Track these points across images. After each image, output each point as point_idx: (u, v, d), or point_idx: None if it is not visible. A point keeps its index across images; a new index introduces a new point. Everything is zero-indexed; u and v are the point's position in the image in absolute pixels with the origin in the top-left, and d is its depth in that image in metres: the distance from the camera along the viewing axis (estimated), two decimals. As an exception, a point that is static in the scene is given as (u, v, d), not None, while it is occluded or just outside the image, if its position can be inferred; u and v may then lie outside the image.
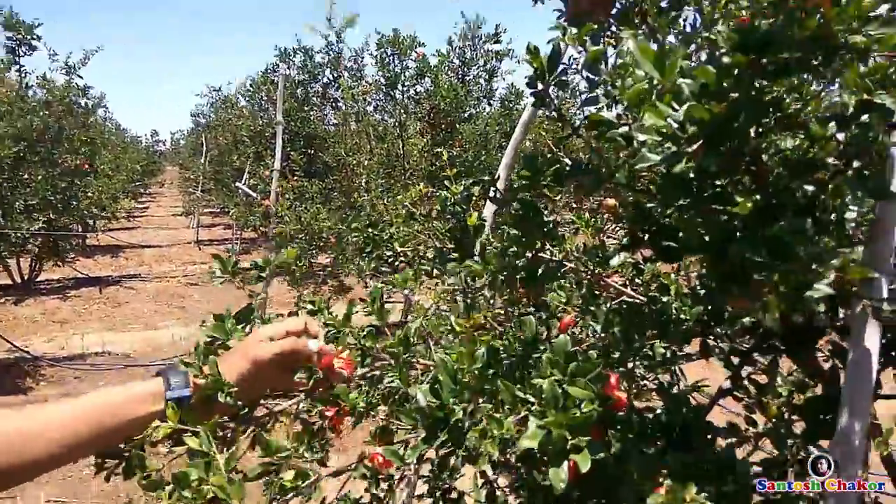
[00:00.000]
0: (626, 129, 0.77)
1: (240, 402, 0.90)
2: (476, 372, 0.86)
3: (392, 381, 1.05)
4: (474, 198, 1.63)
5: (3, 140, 5.90)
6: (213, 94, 13.45)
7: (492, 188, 1.81)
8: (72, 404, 0.82)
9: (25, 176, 6.72)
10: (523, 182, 0.92)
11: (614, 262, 1.02)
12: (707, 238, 0.70)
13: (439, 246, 1.71)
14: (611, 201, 1.59)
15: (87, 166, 8.67)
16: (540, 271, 1.09)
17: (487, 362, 0.91)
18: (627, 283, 1.32)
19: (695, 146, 0.65)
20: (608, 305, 1.07)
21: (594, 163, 0.99)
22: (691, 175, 0.69)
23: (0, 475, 0.75)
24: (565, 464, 0.76)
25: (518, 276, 1.08)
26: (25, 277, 9.74)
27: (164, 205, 21.19)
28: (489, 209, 1.94)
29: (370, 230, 1.59)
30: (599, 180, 0.97)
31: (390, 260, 1.66)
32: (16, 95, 7.08)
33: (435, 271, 1.65)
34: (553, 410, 0.79)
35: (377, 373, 1.10)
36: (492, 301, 1.20)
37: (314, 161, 6.88)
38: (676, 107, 0.69)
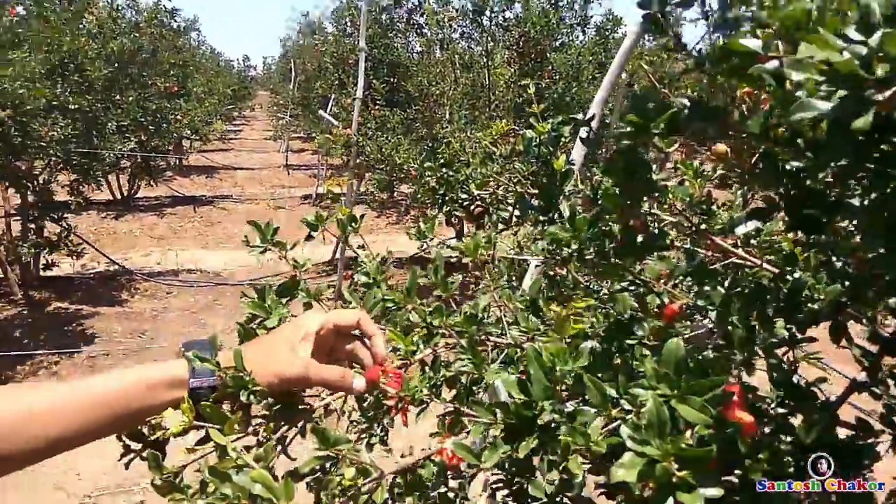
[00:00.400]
0: (775, 63, 0.57)
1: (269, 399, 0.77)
2: (577, 371, 0.70)
3: (464, 365, 0.90)
4: (563, 139, 1.43)
5: (95, 62, 6.00)
6: (301, 20, 13.35)
7: (583, 128, 1.59)
8: (81, 388, 0.70)
9: (117, 97, 6.87)
10: (631, 129, 0.73)
11: (740, 230, 0.81)
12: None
13: (520, 191, 1.52)
14: (721, 147, 1.35)
15: (175, 89, 8.81)
16: (640, 239, 0.90)
17: (593, 361, 0.75)
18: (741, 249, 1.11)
19: (888, 93, 0.45)
20: (726, 282, 0.87)
21: (720, 105, 0.78)
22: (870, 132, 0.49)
23: None
24: (671, 501, 0.60)
25: (612, 246, 0.90)
26: (125, 194, 10.19)
27: (257, 128, 21.63)
28: (579, 151, 1.73)
29: (445, 170, 1.43)
30: (727, 128, 0.77)
31: (465, 203, 1.50)
32: (107, 17, 7.18)
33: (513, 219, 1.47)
34: (654, 436, 0.62)
35: (443, 354, 0.96)
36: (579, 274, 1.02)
37: (396, 90, 6.67)
38: (859, 36, 0.48)
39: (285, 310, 0.98)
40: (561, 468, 0.70)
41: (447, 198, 1.41)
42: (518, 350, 1.04)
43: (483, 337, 1.00)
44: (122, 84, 7.07)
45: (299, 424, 0.82)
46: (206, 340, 0.78)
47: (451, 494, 1.05)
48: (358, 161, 5.27)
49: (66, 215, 6.02)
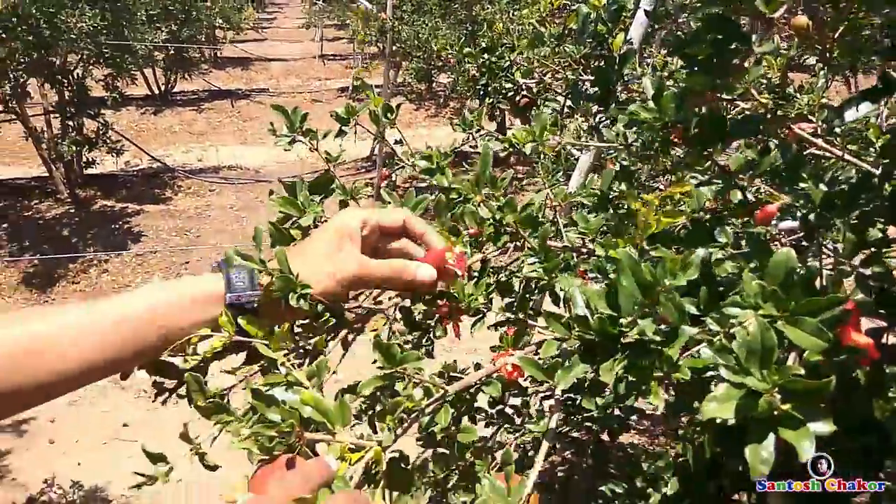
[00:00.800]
0: None
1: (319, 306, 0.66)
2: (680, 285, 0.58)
3: (533, 269, 0.78)
4: (624, 14, 1.24)
5: (121, -54, 5.75)
6: None
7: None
8: (97, 310, 0.60)
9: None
10: None
11: (850, 115, 0.66)
12: None
13: (573, 77, 1.35)
14: (802, 19, 1.16)
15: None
16: (729, 124, 0.76)
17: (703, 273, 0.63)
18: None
19: None
20: (826, 177, 0.73)
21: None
22: None
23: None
24: (771, 437, 0.50)
25: (696, 130, 0.76)
26: (162, 89, 10.09)
27: (290, 16, 20.98)
28: (638, 28, 1.52)
29: (486, 56, 1.26)
30: None
31: (510, 94, 1.34)
32: None
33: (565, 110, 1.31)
34: (757, 365, 0.51)
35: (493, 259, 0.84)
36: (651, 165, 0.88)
37: (435, -33, 6.27)
38: None
39: (319, 208, 0.87)
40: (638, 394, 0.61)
41: (489, 88, 1.25)
42: (573, 256, 0.92)
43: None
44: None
45: (345, 337, 0.74)
46: (236, 261, 0.67)
47: (509, 410, 0.97)
48: (394, 49, 5.01)
49: (103, 111, 5.97)
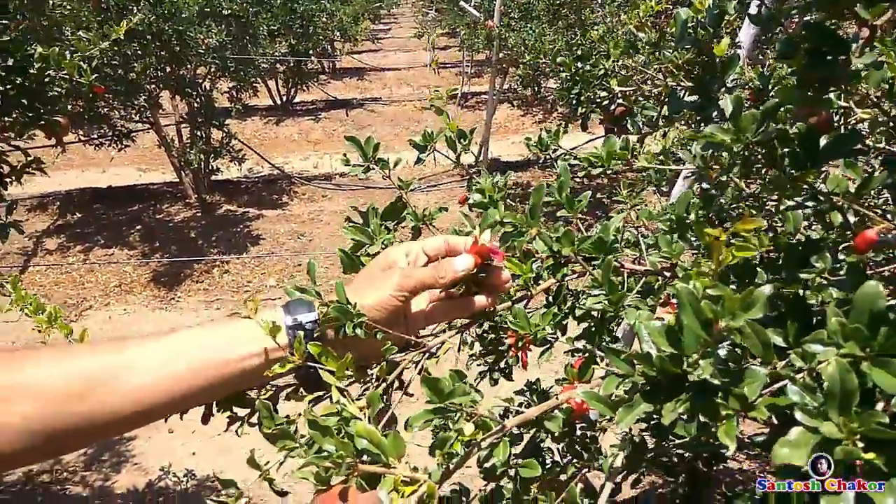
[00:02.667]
0: None
1: (378, 336, 0.67)
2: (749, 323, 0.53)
3: (597, 302, 0.75)
4: (728, 16, 1.16)
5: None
6: None
7: (754, 1, 1.29)
8: (165, 349, 0.62)
9: (266, 1, 6.98)
10: None
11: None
12: None
13: (671, 84, 1.28)
14: None
15: (321, -10, 8.82)
16: (824, 142, 0.69)
17: (771, 313, 0.58)
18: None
19: None
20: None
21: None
22: None
23: (55, 438, 0.59)
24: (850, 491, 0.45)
25: (787, 151, 0.69)
26: (283, 99, 10.60)
27: (405, 25, 21.49)
28: (747, 32, 1.43)
29: (579, 65, 1.22)
30: None
31: (604, 103, 1.28)
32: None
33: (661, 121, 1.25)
34: (836, 409, 0.46)
35: (569, 282, 0.81)
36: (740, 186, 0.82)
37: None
38: None
39: (389, 236, 0.88)
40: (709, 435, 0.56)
41: (582, 97, 1.21)
42: (657, 279, 0.87)
43: (617, 264, 0.84)
44: (271, -15, 7.18)
45: (416, 364, 0.73)
46: (309, 302, 0.69)
47: (577, 447, 0.93)
48: (500, 56, 5.00)
49: (227, 122, 6.34)
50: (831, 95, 0.64)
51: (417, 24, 14.95)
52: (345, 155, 0.90)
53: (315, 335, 0.65)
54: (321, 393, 0.67)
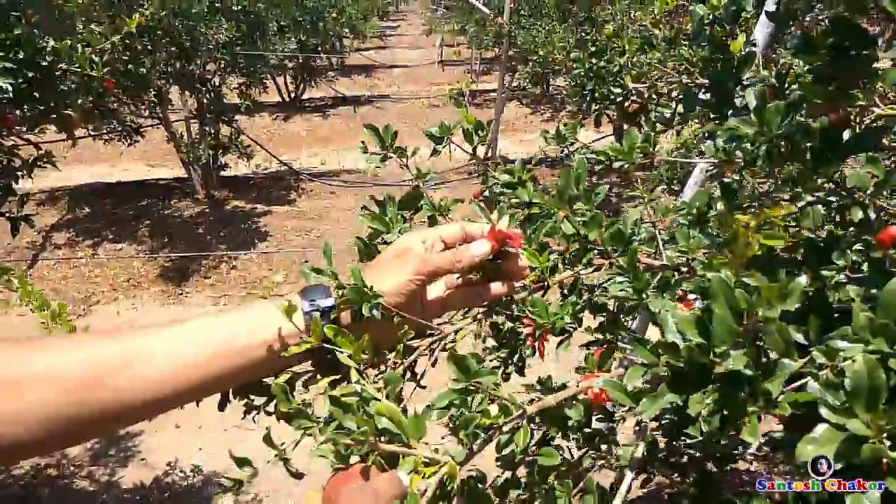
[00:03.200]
0: None
1: (395, 321, 0.67)
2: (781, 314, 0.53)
3: (621, 289, 0.74)
4: (744, 13, 1.15)
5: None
6: None
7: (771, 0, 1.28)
8: (182, 337, 0.61)
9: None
10: None
11: None
12: None
13: (686, 81, 1.28)
14: None
15: (329, -14, 8.82)
16: (846, 137, 0.68)
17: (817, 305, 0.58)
18: None
19: None
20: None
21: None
22: None
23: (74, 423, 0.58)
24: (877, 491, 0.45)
25: (809, 146, 0.69)
26: (292, 96, 10.61)
27: (414, 23, 21.47)
28: (762, 30, 1.41)
29: (594, 61, 1.21)
30: None
31: (618, 100, 1.28)
32: None
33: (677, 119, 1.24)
34: (862, 406, 0.46)
35: (584, 276, 0.80)
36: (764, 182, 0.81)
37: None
38: None
39: (407, 225, 0.88)
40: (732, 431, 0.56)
41: (596, 93, 1.20)
42: (674, 274, 0.87)
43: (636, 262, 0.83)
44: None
45: (432, 351, 0.73)
46: (325, 286, 0.69)
47: (595, 437, 0.93)
48: (510, 53, 4.98)
49: (236, 117, 6.35)
50: (855, 92, 0.63)
51: (426, 22, 14.93)
52: (363, 143, 0.90)
53: (332, 318, 0.65)
54: (338, 376, 0.66)
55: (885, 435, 0.44)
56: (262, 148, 7.32)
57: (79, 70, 1.93)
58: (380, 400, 0.59)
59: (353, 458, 0.57)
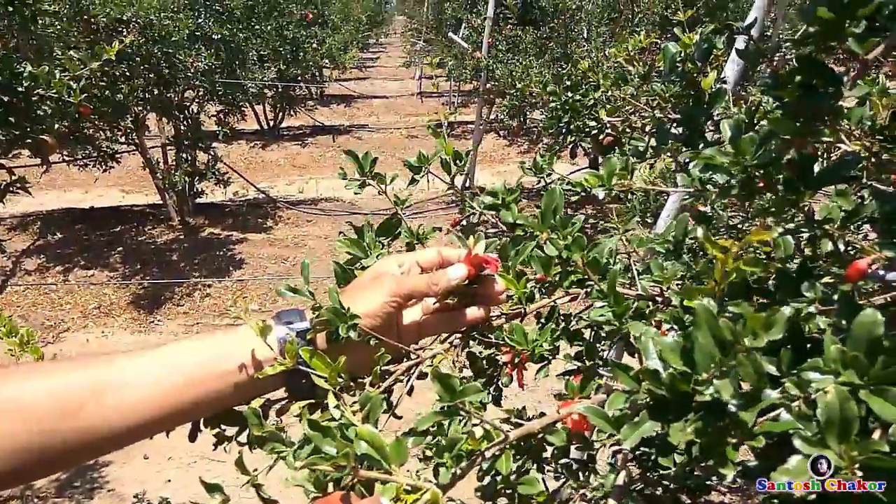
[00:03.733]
0: None
1: (372, 342, 0.66)
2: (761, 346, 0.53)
3: (601, 313, 0.75)
4: (715, 51, 1.18)
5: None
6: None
7: (740, 37, 1.32)
8: (158, 363, 0.60)
9: (256, 27, 7.03)
10: (818, 28, 0.53)
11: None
12: None
13: (659, 116, 1.31)
14: None
15: (309, 17, 8.89)
16: (817, 170, 0.70)
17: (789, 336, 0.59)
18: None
19: None
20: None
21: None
22: None
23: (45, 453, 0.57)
24: None
25: (783, 176, 0.71)
26: (271, 124, 10.62)
27: (393, 55, 21.71)
28: (732, 67, 1.46)
29: (569, 94, 1.24)
30: None
31: (593, 133, 1.30)
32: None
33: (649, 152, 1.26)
34: (835, 437, 0.47)
35: (563, 304, 0.81)
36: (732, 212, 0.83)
37: (530, 7, 6.29)
38: None
39: (385, 250, 0.88)
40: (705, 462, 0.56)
41: (572, 126, 1.23)
42: (648, 304, 0.88)
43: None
44: (262, 12, 7.21)
45: (408, 376, 0.73)
46: (300, 310, 0.69)
47: (574, 465, 0.92)
48: (488, 86, 5.05)
49: (213, 145, 6.33)
50: (823, 129, 0.65)
51: (406, 54, 15.11)
52: (342, 169, 0.90)
53: (307, 340, 0.65)
54: (312, 401, 0.65)
55: (856, 465, 0.45)
56: (240, 175, 7.30)
57: (55, 95, 1.92)
58: (357, 425, 0.58)
59: (331, 487, 0.56)
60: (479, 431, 0.59)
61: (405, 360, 0.72)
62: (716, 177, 0.76)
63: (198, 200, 6.85)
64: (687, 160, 0.77)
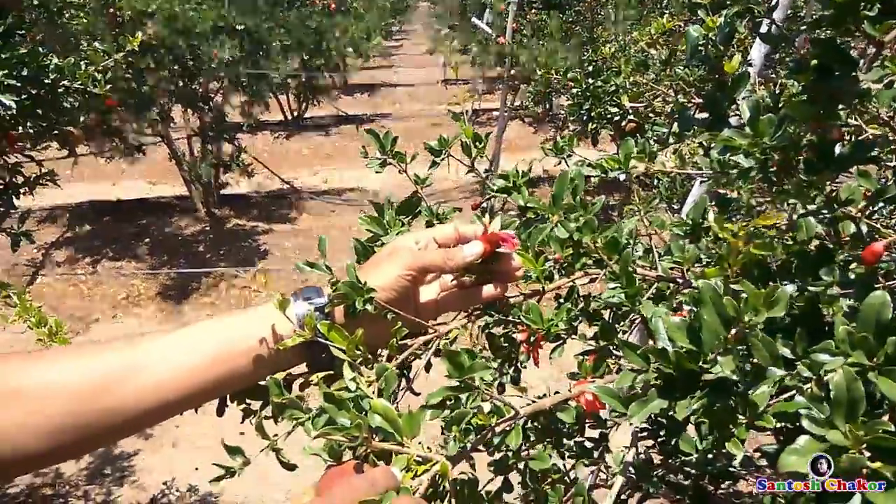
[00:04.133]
0: None
1: (388, 316, 0.67)
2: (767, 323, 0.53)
3: (612, 296, 0.74)
4: (738, 35, 1.16)
5: (260, -19, 6.17)
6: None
7: (765, 20, 1.29)
8: (182, 343, 0.62)
9: (281, 17, 7.04)
10: (832, 12, 0.52)
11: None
12: None
13: (683, 101, 1.28)
14: None
15: (333, 6, 8.89)
16: (837, 151, 0.69)
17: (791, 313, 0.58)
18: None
19: None
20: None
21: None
22: None
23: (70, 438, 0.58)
24: (857, 498, 0.45)
25: (803, 159, 0.69)
26: (295, 115, 10.68)
27: (417, 42, 21.66)
28: (758, 50, 1.42)
29: (590, 80, 1.22)
30: None
31: (615, 119, 1.28)
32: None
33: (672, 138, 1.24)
34: (842, 418, 0.46)
35: (583, 285, 0.81)
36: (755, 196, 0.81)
37: (556, -10, 6.23)
38: None
39: (404, 228, 0.89)
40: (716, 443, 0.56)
41: (592, 113, 1.21)
42: (669, 286, 0.87)
43: (630, 269, 0.83)
44: (285, 2, 7.23)
45: (425, 349, 0.73)
46: (318, 287, 0.70)
47: (588, 444, 0.92)
48: (512, 72, 5.01)
49: (238, 136, 6.38)
50: (840, 112, 0.63)
51: (429, 40, 15.05)
52: (363, 147, 0.91)
53: (326, 312, 0.65)
54: (330, 373, 0.66)
55: (863, 445, 0.44)
56: (264, 166, 7.36)
57: (81, 87, 1.95)
58: (373, 397, 0.59)
59: (346, 456, 0.57)
60: (486, 406, 0.60)
61: (423, 334, 0.72)
62: (737, 158, 0.75)
63: (223, 191, 6.93)
64: (707, 143, 0.76)
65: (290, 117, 10.62)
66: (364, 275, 0.67)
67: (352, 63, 12.70)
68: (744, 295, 0.49)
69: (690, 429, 0.68)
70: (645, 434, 1.05)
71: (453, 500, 0.57)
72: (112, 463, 3.46)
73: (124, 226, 6.70)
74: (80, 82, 1.91)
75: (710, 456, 1.13)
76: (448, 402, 0.62)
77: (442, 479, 0.55)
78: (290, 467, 0.65)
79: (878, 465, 0.44)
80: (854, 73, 0.60)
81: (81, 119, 2.21)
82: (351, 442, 0.53)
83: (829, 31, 0.59)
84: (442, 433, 0.78)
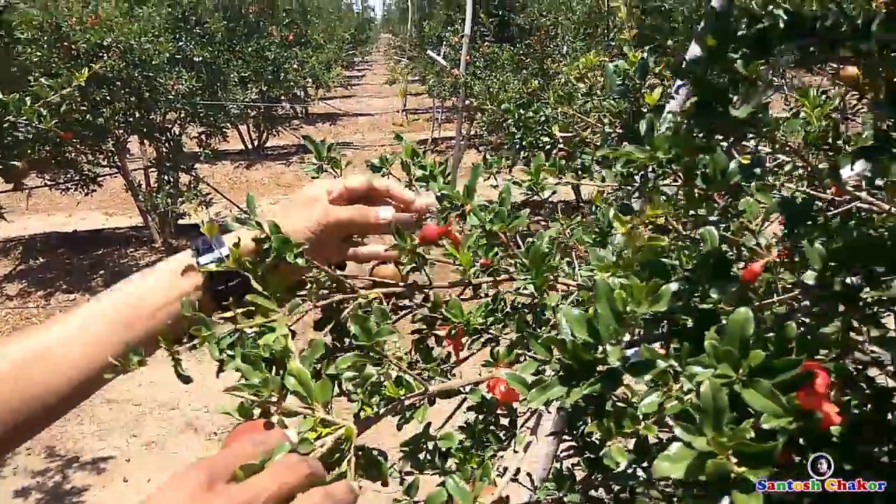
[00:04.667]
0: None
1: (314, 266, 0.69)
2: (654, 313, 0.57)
3: (524, 287, 0.79)
4: (650, 70, 1.23)
5: (214, 13, 6.19)
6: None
7: (687, 56, 1.38)
8: (85, 316, 0.65)
9: (237, 48, 7.08)
10: (707, 54, 0.59)
11: (845, 172, 0.63)
12: None
13: (608, 131, 1.36)
14: (852, 70, 1.14)
15: (291, 38, 8.96)
16: (733, 167, 0.75)
17: (678, 303, 0.63)
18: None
19: None
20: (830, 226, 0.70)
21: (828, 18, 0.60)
22: None
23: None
24: (725, 501, 0.49)
25: (698, 172, 0.75)
26: (255, 144, 10.65)
27: (378, 73, 21.85)
28: (680, 83, 1.51)
29: (520, 111, 1.29)
30: (833, 44, 0.60)
31: (546, 148, 1.35)
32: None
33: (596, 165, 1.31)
34: (711, 426, 0.51)
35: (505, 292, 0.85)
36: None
37: (507, 24, 6.39)
38: None
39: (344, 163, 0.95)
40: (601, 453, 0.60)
41: (524, 142, 1.27)
42: (589, 292, 0.92)
43: (552, 279, 0.88)
44: (242, 34, 7.27)
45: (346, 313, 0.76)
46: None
47: (501, 434, 0.95)
48: (466, 103, 5.12)
49: (196, 166, 6.35)
50: (718, 144, 0.70)
51: (389, 72, 15.21)
52: (302, 158, 0.94)
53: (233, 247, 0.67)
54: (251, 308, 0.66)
55: (729, 452, 0.48)
56: (221, 195, 7.31)
57: (26, 122, 1.95)
58: (294, 352, 0.61)
59: (257, 412, 0.59)
60: (394, 372, 0.64)
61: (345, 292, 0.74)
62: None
63: (180, 221, 6.85)
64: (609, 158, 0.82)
65: (250, 147, 10.60)
66: (280, 218, 0.69)
67: (313, 93, 12.76)
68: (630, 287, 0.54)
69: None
70: (570, 451, 1.09)
71: (353, 464, 0.57)
72: (61, 500, 3.37)
73: (79, 258, 6.58)
74: (24, 117, 1.92)
75: (630, 470, 1.17)
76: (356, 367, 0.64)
77: (346, 441, 0.57)
78: (186, 379, 0.66)
79: (743, 469, 0.47)
80: (727, 109, 0.66)
81: (29, 152, 2.21)
82: (260, 401, 0.55)
83: (707, 70, 0.66)
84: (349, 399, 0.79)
